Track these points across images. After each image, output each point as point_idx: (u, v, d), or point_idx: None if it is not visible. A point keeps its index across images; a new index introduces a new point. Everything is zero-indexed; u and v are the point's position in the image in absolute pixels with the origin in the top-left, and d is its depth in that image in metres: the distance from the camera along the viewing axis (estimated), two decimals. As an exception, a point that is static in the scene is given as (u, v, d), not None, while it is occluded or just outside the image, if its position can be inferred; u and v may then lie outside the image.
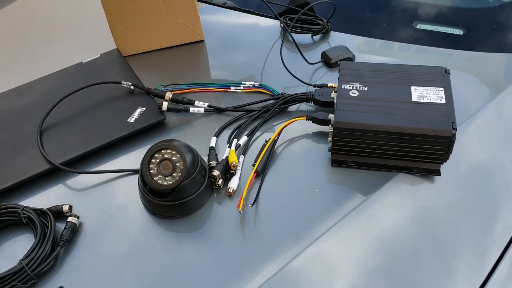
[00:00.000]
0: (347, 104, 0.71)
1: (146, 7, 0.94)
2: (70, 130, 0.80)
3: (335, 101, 0.76)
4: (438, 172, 0.70)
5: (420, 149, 0.69)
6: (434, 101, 0.70)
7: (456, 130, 0.66)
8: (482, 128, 0.77)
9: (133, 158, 0.77)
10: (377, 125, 0.68)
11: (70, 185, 0.75)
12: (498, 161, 0.73)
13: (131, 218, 0.69)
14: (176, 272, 0.62)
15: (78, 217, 0.69)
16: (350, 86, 0.74)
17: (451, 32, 0.98)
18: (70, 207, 0.69)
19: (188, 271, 0.62)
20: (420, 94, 0.71)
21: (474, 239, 0.65)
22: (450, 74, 0.74)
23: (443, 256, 0.62)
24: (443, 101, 0.70)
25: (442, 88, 0.72)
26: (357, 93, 0.73)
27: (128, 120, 0.80)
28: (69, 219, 0.68)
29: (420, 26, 1.01)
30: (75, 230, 0.67)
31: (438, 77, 0.74)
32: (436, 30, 0.99)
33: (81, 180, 0.76)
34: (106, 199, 0.72)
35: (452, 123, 0.66)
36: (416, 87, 0.72)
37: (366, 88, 0.73)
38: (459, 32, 0.98)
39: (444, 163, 0.70)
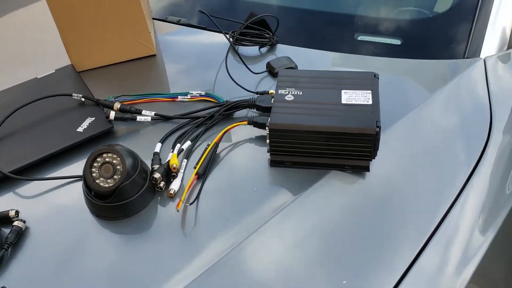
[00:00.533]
0: (282, 108, 0.76)
1: (98, 24, 0.98)
2: (22, 140, 0.83)
3: (272, 105, 0.81)
4: (367, 168, 0.75)
5: (349, 147, 0.73)
6: (362, 102, 0.75)
7: (380, 128, 0.71)
8: (410, 128, 0.82)
9: (81, 166, 0.79)
10: (309, 126, 0.73)
11: (20, 192, 0.78)
12: (423, 157, 0.78)
13: (76, 221, 0.72)
14: (120, 271, 0.65)
15: (24, 222, 0.71)
16: (286, 91, 0.78)
17: (390, 42, 1.04)
18: (17, 212, 0.72)
19: (130, 269, 0.65)
20: (350, 97, 0.76)
21: (400, 229, 0.69)
22: (378, 78, 0.80)
23: (370, 244, 0.66)
24: (370, 102, 0.75)
25: (369, 91, 0.77)
26: (292, 97, 0.77)
27: (77, 130, 0.83)
28: (15, 223, 0.70)
29: (361, 37, 1.07)
30: (20, 234, 0.70)
31: (367, 81, 0.79)
32: (375, 41, 1.06)
33: (31, 187, 0.78)
34: (54, 205, 0.75)
35: (376, 121, 0.71)
36: (346, 91, 0.77)
37: (301, 93, 0.78)
38: (397, 42, 1.04)
39: (373, 159, 0.75)
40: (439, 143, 0.81)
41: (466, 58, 0.97)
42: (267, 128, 0.74)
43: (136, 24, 1.00)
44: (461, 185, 0.74)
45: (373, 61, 0.99)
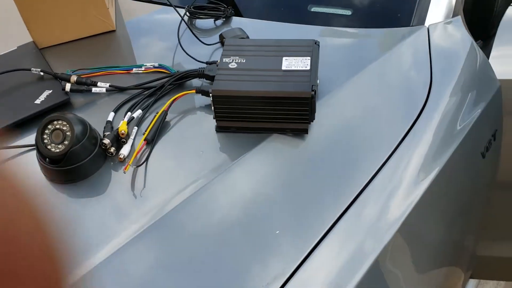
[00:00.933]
0: (225, 75, 0.80)
1: (57, 0, 1.01)
2: (-19, 113, 0.87)
3: (217, 73, 0.85)
4: (306, 131, 0.79)
5: (288, 111, 0.78)
6: (300, 68, 0.79)
7: (315, 92, 0.75)
8: (350, 93, 0.87)
9: (39, 136, 0.85)
10: (250, 91, 0.77)
11: (-21, 162, 0.82)
12: (362, 118, 0.83)
13: (32, 187, 0.76)
14: (73, 231, 0.70)
15: (-18, 188, 0.75)
16: (230, 60, 0.83)
17: (340, 13, 1.08)
18: (-25, 179, 0.76)
19: (84, 228, 0.70)
20: (290, 63, 0.81)
21: (335, 185, 0.74)
22: (319, 45, 0.84)
23: (306, 201, 0.72)
24: (308, 68, 0.79)
25: (308, 58, 0.81)
26: (236, 65, 0.81)
27: (35, 102, 0.87)
28: (-27, 189, 0.74)
29: (314, 9, 1.11)
30: (-22, 199, 0.74)
31: (308, 48, 0.83)
32: (327, 12, 1.09)
33: (-10, 157, 0.82)
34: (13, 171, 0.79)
35: (312, 86, 0.76)
36: (287, 58, 0.82)
37: (244, 61, 0.82)
38: (348, 12, 1.08)
39: (312, 122, 0.80)
40: (379, 104, 0.86)
41: (412, 26, 1.01)
42: (210, 95, 0.78)
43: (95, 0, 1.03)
44: (397, 143, 0.79)
45: (322, 31, 1.03)
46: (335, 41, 0.99)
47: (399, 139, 0.80)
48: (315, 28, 1.04)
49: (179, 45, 1.01)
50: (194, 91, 0.85)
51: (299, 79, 0.78)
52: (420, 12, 1.03)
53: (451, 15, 1.06)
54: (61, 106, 0.88)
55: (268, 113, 0.79)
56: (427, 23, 1.02)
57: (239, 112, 0.79)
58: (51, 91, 0.90)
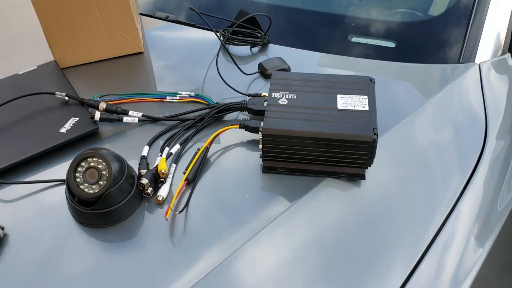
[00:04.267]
0: (275, 112, 0.73)
1: (83, 19, 0.94)
2: (1, 141, 0.79)
3: (265, 109, 0.78)
4: (363, 176, 0.72)
5: (345, 154, 0.71)
6: (358, 108, 0.73)
7: (377, 135, 0.68)
8: (406, 135, 0.80)
9: (64, 168, 0.75)
10: (304, 132, 0.70)
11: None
12: (418, 165, 0.76)
13: (59, 229, 0.68)
14: (104, 282, 0.62)
15: (3, 228, 0.67)
16: (280, 95, 0.76)
17: (384, 45, 1.02)
18: (-5, 218, 0.68)
19: (116, 280, 0.62)
20: (345, 102, 0.74)
21: (396, 240, 0.67)
22: (374, 83, 0.78)
23: (365, 256, 0.64)
24: (367, 108, 0.73)
25: (366, 96, 0.75)
26: (286, 101, 0.75)
27: (60, 130, 0.79)
28: (-7, 230, 0.66)
29: (354, 39, 1.05)
30: (-1, 242, 0.66)
31: (363, 85, 0.77)
32: (369, 43, 1.03)
33: (10, 191, 0.74)
34: (34, 210, 0.71)
35: (373, 128, 0.69)
36: (342, 95, 0.75)
37: (295, 97, 0.75)
38: (391, 44, 1.02)
39: (369, 167, 0.73)
40: (434, 151, 0.79)
41: (461, 63, 0.96)
42: (260, 133, 0.71)
43: (123, 20, 0.96)
44: (457, 194, 0.73)
45: (366, 63, 0.97)
46: (383, 75, 0.92)
47: (459, 191, 0.73)
48: (358, 60, 0.98)
49: (212, 71, 0.94)
50: (237, 126, 0.78)
51: (358, 120, 0.71)
52: (469, 47, 0.97)
53: (499, 53, 1.01)
54: (88, 136, 0.81)
55: (322, 156, 0.72)
56: (477, 60, 0.96)
57: (290, 152, 0.72)
58: (77, 118, 0.82)
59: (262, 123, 0.76)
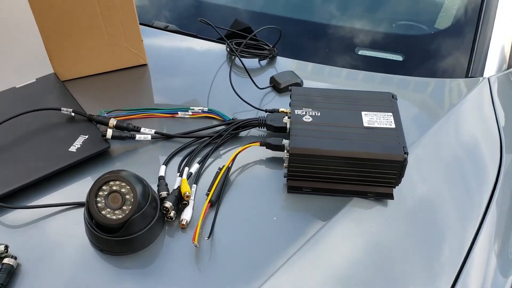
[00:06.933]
0: (301, 130, 0.71)
1: (86, 29, 0.89)
2: (5, 161, 0.74)
3: (288, 126, 0.76)
4: (391, 196, 0.71)
5: (374, 174, 0.69)
6: (384, 126, 0.71)
7: (407, 154, 0.67)
8: (427, 152, 0.79)
9: (76, 190, 0.72)
10: (332, 151, 0.68)
11: (6, 222, 0.68)
12: (441, 183, 0.76)
13: (76, 257, 0.64)
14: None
15: (15, 258, 0.62)
16: (303, 112, 0.74)
17: (391, 58, 1.02)
18: (6, 247, 0.63)
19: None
20: (371, 119, 0.72)
21: (427, 262, 0.66)
22: (397, 99, 0.76)
23: (403, 273, 0.63)
24: (393, 126, 0.71)
25: (391, 113, 0.73)
26: (311, 119, 0.72)
27: (69, 149, 0.75)
28: (5, 260, 0.61)
29: (362, 52, 1.04)
30: (12, 273, 0.61)
31: (386, 102, 0.76)
32: (377, 56, 1.03)
33: (19, 216, 0.69)
34: (47, 237, 0.66)
35: (403, 147, 0.68)
36: (366, 112, 0.74)
37: (319, 114, 0.73)
38: (399, 58, 1.02)
39: (397, 186, 0.71)
40: (455, 167, 0.79)
41: (470, 77, 0.96)
42: (286, 152, 0.69)
43: (128, 30, 0.92)
44: (483, 209, 0.72)
45: (378, 77, 0.96)
46: (394, 90, 0.91)
47: (483, 210, 0.73)
48: (369, 75, 0.97)
49: (223, 85, 0.91)
50: (258, 143, 0.75)
51: (387, 139, 0.69)
52: (477, 61, 0.98)
53: (504, 67, 1.01)
54: (99, 155, 0.76)
55: (350, 175, 0.70)
56: (485, 75, 0.96)
57: (316, 172, 0.70)
58: (87, 136, 0.77)
59: (284, 140, 0.74)
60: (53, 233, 0.67)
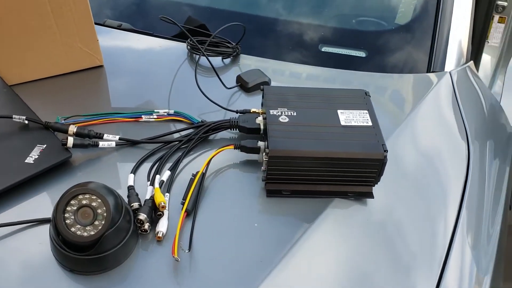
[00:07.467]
0: (279, 131, 0.68)
1: (35, 29, 0.82)
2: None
3: (262, 127, 0.73)
4: (371, 195, 0.70)
5: (354, 173, 0.68)
6: (361, 124, 0.70)
7: (387, 152, 0.66)
8: (400, 148, 0.79)
9: (36, 206, 0.66)
10: (313, 152, 0.66)
11: (-44, 245, 0.61)
12: (417, 177, 0.76)
13: (43, 279, 0.58)
14: None
15: (-29, 286, 0.55)
16: (278, 112, 0.71)
17: (355, 55, 1.01)
18: (-40, 274, 0.56)
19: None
20: (347, 117, 0.71)
21: (411, 255, 0.65)
22: (370, 96, 0.76)
23: (392, 273, 0.62)
24: (370, 123, 0.70)
25: (366, 111, 0.72)
26: (287, 119, 0.70)
27: (26, 161, 0.68)
28: (-40, 290, 0.54)
29: (325, 49, 1.02)
30: (-31, 304, 0.54)
31: (360, 99, 0.75)
32: (340, 52, 1.02)
33: (-30, 237, 0.62)
34: (6, 260, 0.60)
35: (382, 145, 0.67)
36: (342, 111, 0.72)
37: (295, 114, 0.71)
38: (362, 54, 1.02)
39: (376, 185, 0.70)
40: (427, 162, 0.80)
41: (432, 71, 0.97)
42: (265, 154, 0.66)
43: (82, 30, 0.85)
44: (458, 202, 0.73)
45: (343, 74, 0.95)
46: (360, 86, 0.91)
47: (460, 196, 0.74)
48: (331, 70, 0.96)
49: (185, 85, 0.87)
50: (232, 146, 0.72)
51: (365, 137, 0.68)
52: (439, 57, 0.99)
53: (462, 61, 1.04)
54: (59, 166, 0.70)
55: (329, 175, 0.68)
56: (446, 69, 0.98)
57: (296, 174, 0.68)
58: (44, 146, 0.71)
59: (260, 142, 0.71)
60: (13, 256, 0.60)
